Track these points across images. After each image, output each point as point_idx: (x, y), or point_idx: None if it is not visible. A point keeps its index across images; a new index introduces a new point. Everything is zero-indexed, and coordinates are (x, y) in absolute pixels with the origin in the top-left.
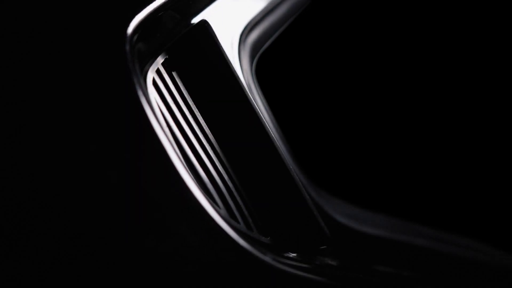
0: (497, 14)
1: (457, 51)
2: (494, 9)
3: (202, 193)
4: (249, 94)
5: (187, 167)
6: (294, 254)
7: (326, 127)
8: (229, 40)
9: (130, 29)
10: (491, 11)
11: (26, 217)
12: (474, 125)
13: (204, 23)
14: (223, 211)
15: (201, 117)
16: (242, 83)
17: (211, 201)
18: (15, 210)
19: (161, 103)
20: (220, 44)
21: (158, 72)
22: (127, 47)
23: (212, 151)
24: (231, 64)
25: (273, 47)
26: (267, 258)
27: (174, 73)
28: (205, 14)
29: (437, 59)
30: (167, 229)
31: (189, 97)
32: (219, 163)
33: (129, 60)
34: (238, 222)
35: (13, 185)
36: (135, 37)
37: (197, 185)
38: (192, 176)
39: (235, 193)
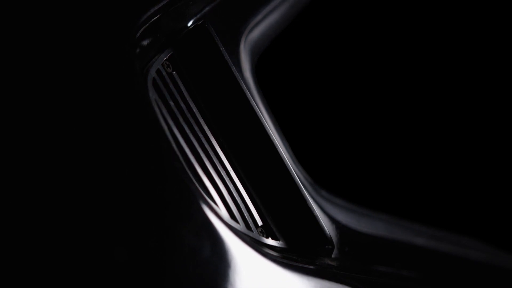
0: (497, 14)
1: (457, 51)
2: (494, 9)
3: (202, 193)
4: (250, 94)
5: (187, 168)
6: (294, 255)
7: (327, 127)
8: (229, 40)
9: (130, 30)
10: (491, 11)
11: (26, 217)
12: (474, 125)
13: (204, 24)
14: (222, 211)
15: (201, 117)
16: (242, 84)
17: (210, 201)
18: (15, 210)
19: (162, 104)
20: (220, 44)
21: (158, 72)
22: (128, 47)
23: (212, 151)
24: (231, 64)
25: (273, 47)
26: (266, 259)
27: (174, 74)
28: (206, 15)
29: (438, 59)
30: (167, 229)
31: (190, 97)
32: (219, 163)
33: (129, 60)
34: (238, 223)
35: (13, 185)
36: (136, 38)
37: (197, 186)
38: (192, 177)
39: (235, 194)
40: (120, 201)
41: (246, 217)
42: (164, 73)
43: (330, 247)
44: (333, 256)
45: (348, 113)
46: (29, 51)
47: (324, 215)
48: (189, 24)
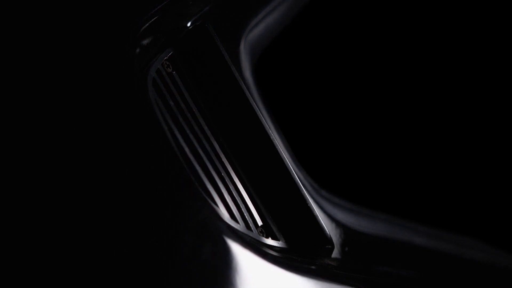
0: (497, 14)
1: (457, 51)
2: (494, 9)
3: (202, 193)
4: (249, 94)
5: (187, 168)
6: (294, 255)
7: (327, 127)
8: (229, 40)
9: (130, 30)
10: (491, 11)
11: (26, 217)
12: (474, 125)
13: (204, 24)
14: (223, 211)
15: (201, 117)
16: (242, 83)
17: (210, 201)
18: (15, 210)
19: (162, 104)
20: (220, 44)
21: (158, 72)
22: (128, 47)
23: (212, 151)
24: (231, 64)
25: (273, 47)
26: (266, 259)
27: (174, 74)
28: (206, 15)
29: (438, 59)
30: (167, 229)
31: (189, 97)
32: (219, 163)
33: (129, 60)
34: (238, 223)
35: (14, 185)
36: (136, 38)
37: (197, 186)
38: (192, 177)
39: (235, 194)
40: (120, 201)
41: (246, 217)
42: (164, 73)
43: (330, 247)
44: (333, 256)
45: (348, 113)
46: (29, 51)
47: (324, 215)
48: (189, 24)
